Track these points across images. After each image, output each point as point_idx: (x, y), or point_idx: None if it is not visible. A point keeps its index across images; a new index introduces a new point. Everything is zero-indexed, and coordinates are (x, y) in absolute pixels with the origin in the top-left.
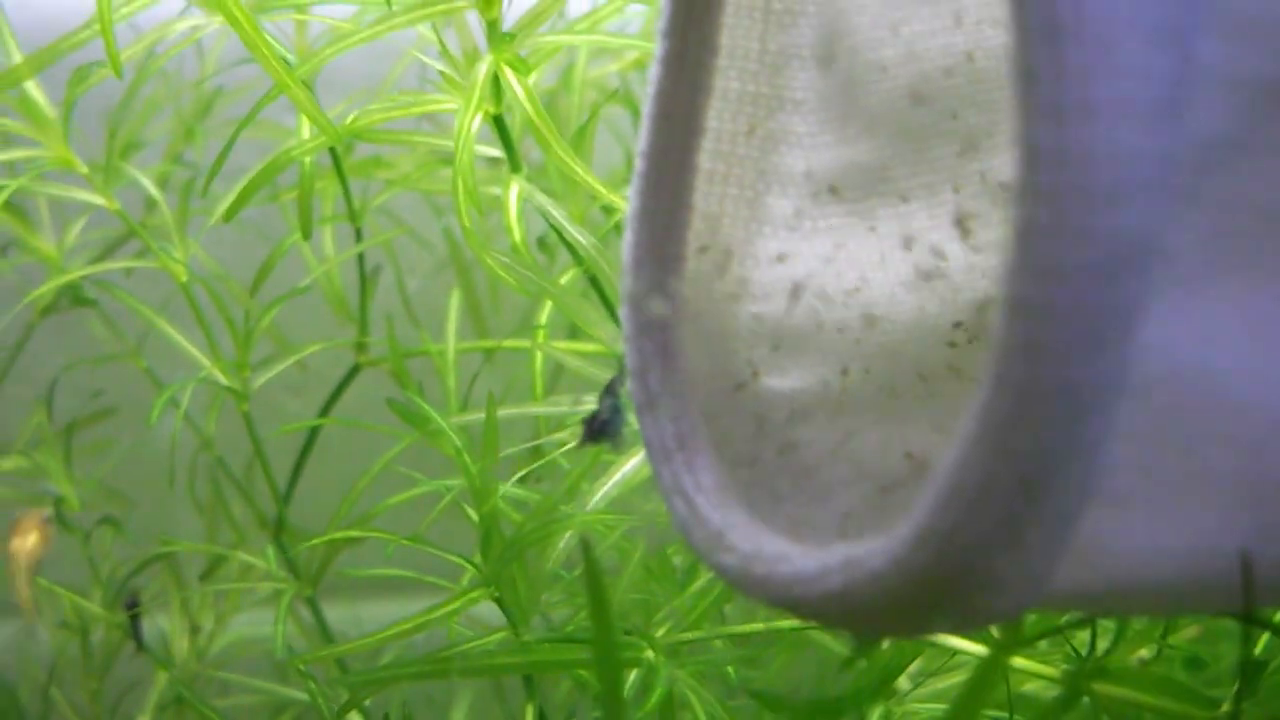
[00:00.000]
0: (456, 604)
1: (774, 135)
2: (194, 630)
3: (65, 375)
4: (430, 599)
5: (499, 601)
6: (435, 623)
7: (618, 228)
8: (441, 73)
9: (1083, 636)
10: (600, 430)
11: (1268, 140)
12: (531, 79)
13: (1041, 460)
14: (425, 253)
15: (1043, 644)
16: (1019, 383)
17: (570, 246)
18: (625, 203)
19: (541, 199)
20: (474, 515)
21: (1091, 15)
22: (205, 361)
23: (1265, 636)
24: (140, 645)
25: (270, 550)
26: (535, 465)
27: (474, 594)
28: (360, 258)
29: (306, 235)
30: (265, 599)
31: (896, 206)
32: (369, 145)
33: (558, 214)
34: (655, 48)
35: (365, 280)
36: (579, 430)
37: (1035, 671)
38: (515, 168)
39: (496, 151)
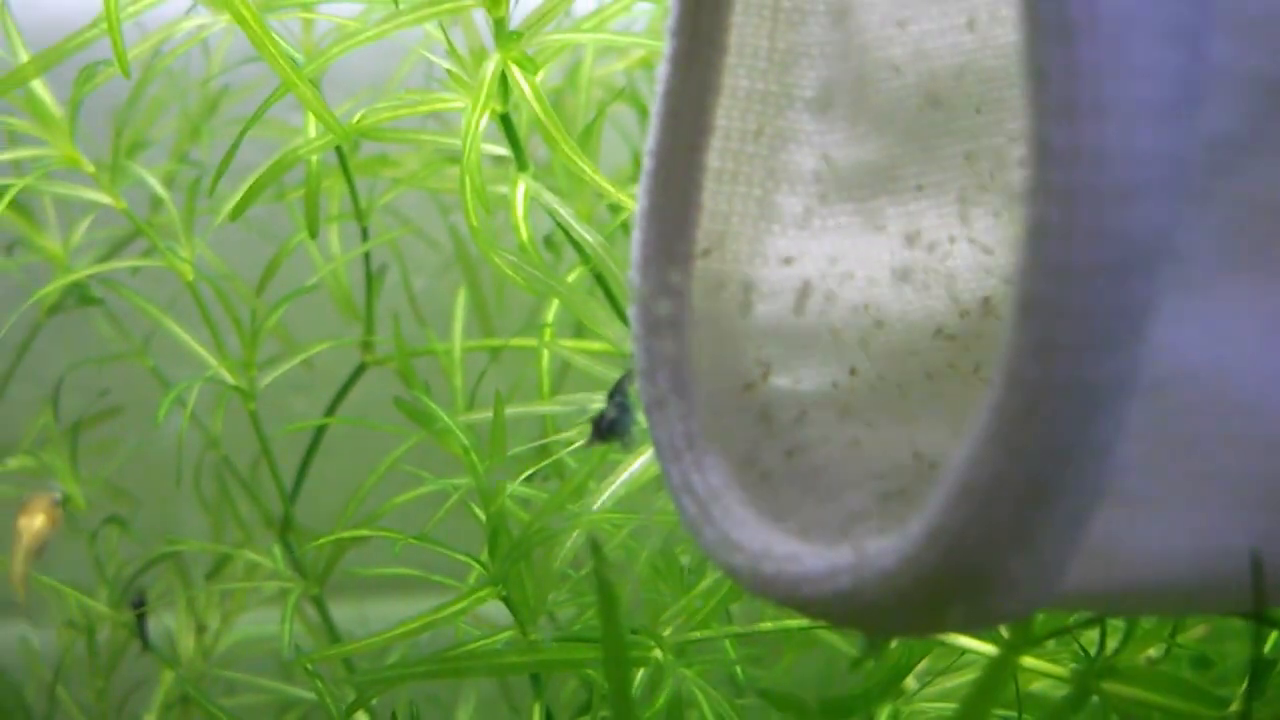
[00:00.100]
0: (464, 603)
1: (783, 133)
2: (200, 629)
3: (71, 374)
4: (437, 598)
5: (506, 601)
6: (442, 622)
7: (624, 226)
8: (448, 71)
9: (1091, 635)
10: (609, 429)
11: (1278, 140)
12: (538, 77)
13: (1053, 459)
14: (431, 251)
15: (1051, 643)
16: (1030, 382)
17: (577, 245)
18: (632, 201)
19: (548, 197)
20: (481, 514)
21: (1104, 14)
22: (211, 360)
23: (1275, 635)
24: (146, 644)
25: (276, 549)
26: (543, 464)
27: (481, 593)
28: (366, 256)
29: (313, 234)
30: (271, 598)
31: (905, 205)
32: (375, 144)
33: (564, 212)
34: (664, 46)
35: (371, 279)
36: (587, 429)
37: (1044, 671)
38: (522, 166)
39: (503, 150)
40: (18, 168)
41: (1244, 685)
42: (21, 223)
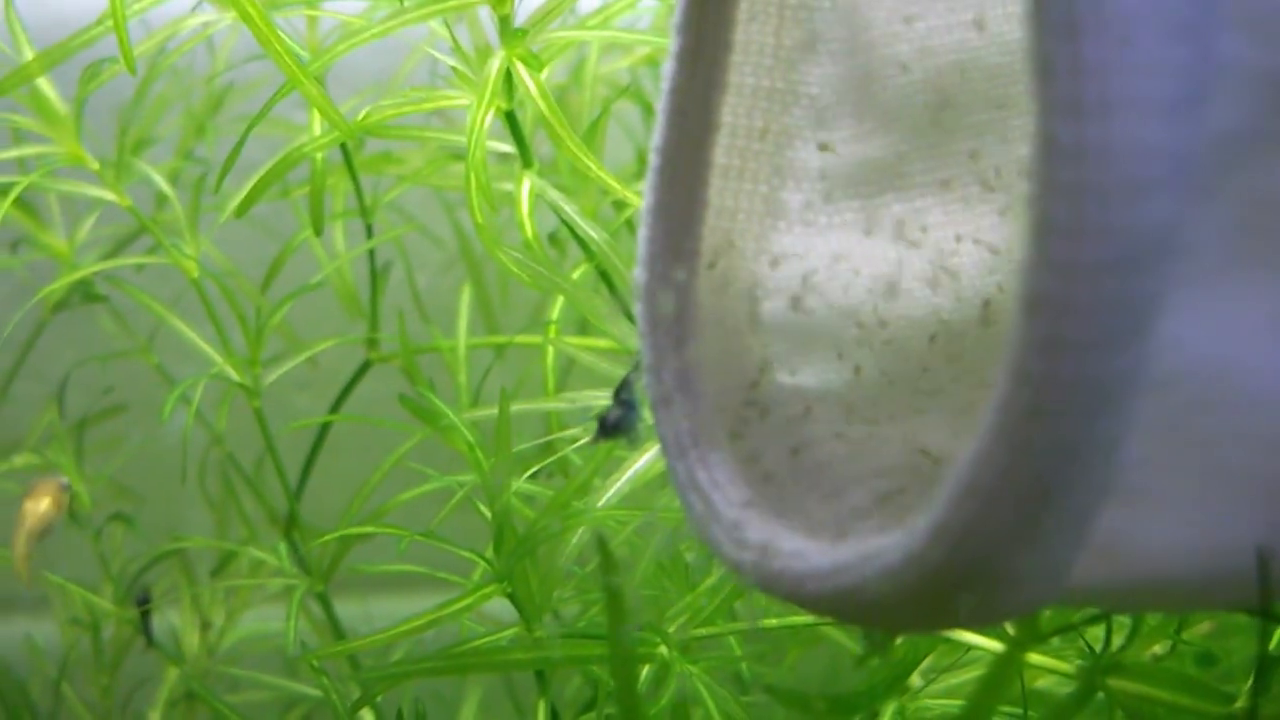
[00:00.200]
0: (468, 600)
1: (789, 131)
2: (205, 626)
3: (76, 371)
4: (442, 595)
5: (511, 597)
6: (447, 619)
7: (629, 223)
8: (453, 68)
9: (1096, 632)
10: (614, 426)
11: None
12: (543, 74)
13: (1059, 455)
14: (436, 249)
15: (1056, 639)
16: (1037, 378)
17: (582, 242)
18: (637, 198)
19: (553, 194)
20: (486, 511)
21: (1110, 10)
22: (216, 358)
23: None
24: (151, 641)
25: (281, 546)
26: (548, 461)
27: (486, 590)
28: (371, 254)
29: (318, 231)
30: (276, 595)
31: (911, 203)
32: (380, 141)
33: (569, 209)
34: (670, 43)
35: (376, 276)
36: (593, 426)
37: (1049, 667)
38: (527, 163)
39: (508, 147)
40: (23, 165)
41: (1249, 681)
42: (26, 220)
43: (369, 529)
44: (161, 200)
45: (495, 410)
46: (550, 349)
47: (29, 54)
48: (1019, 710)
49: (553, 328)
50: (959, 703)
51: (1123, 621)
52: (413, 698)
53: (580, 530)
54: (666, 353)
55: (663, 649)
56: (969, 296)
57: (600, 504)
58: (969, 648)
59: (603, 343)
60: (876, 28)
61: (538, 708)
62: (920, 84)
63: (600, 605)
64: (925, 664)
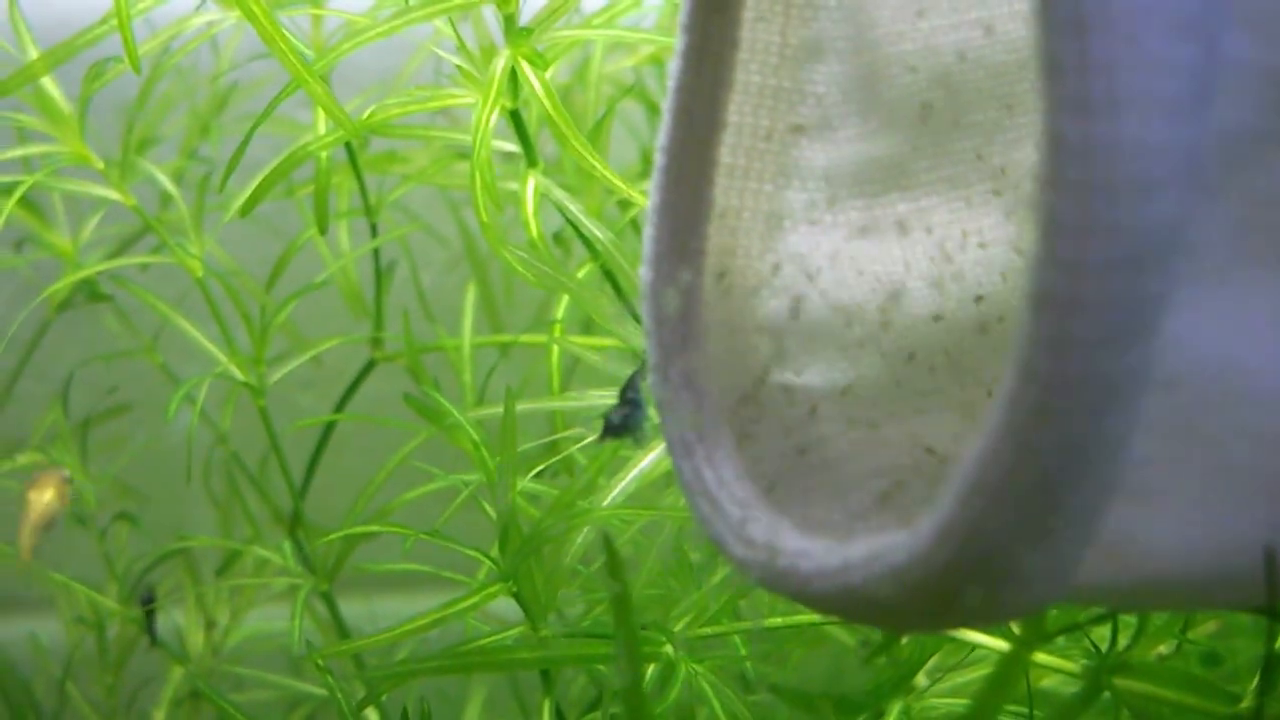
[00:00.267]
0: (474, 599)
1: (795, 130)
2: (209, 625)
3: (80, 371)
4: (446, 594)
5: (516, 597)
6: (452, 618)
7: (634, 222)
8: (458, 67)
9: (1102, 632)
10: (620, 425)
11: None
12: (548, 74)
13: (1066, 453)
14: (441, 248)
15: (1062, 639)
16: (1044, 376)
17: (586, 241)
18: (641, 197)
19: (558, 193)
20: (491, 510)
21: (1117, 8)
22: (221, 357)
23: None
24: (155, 640)
25: (286, 545)
26: (553, 460)
27: (491, 589)
28: (376, 253)
29: (322, 230)
30: (281, 594)
31: (916, 202)
32: (384, 140)
33: (574, 208)
34: (676, 42)
35: (380, 275)
36: (599, 425)
37: (1055, 667)
38: (532, 162)
39: (513, 146)
40: (27, 164)
41: (1255, 681)
42: (31, 219)
43: (374, 528)
44: (166, 199)
45: (500, 409)
46: (555, 348)
47: (33, 53)
48: (1025, 709)
49: (557, 327)
50: (964, 702)
51: (1128, 621)
52: (418, 697)
53: (585, 529)
54: (672, 352)
55: (668, 648)
56: (973, 296)
57: (605, 503)
58: (974, 647)
59: (607, 342)
60: (882, 26)
61: (543, 707)
62: (925, 82)
63: (605, 604)
64: (931, 663)
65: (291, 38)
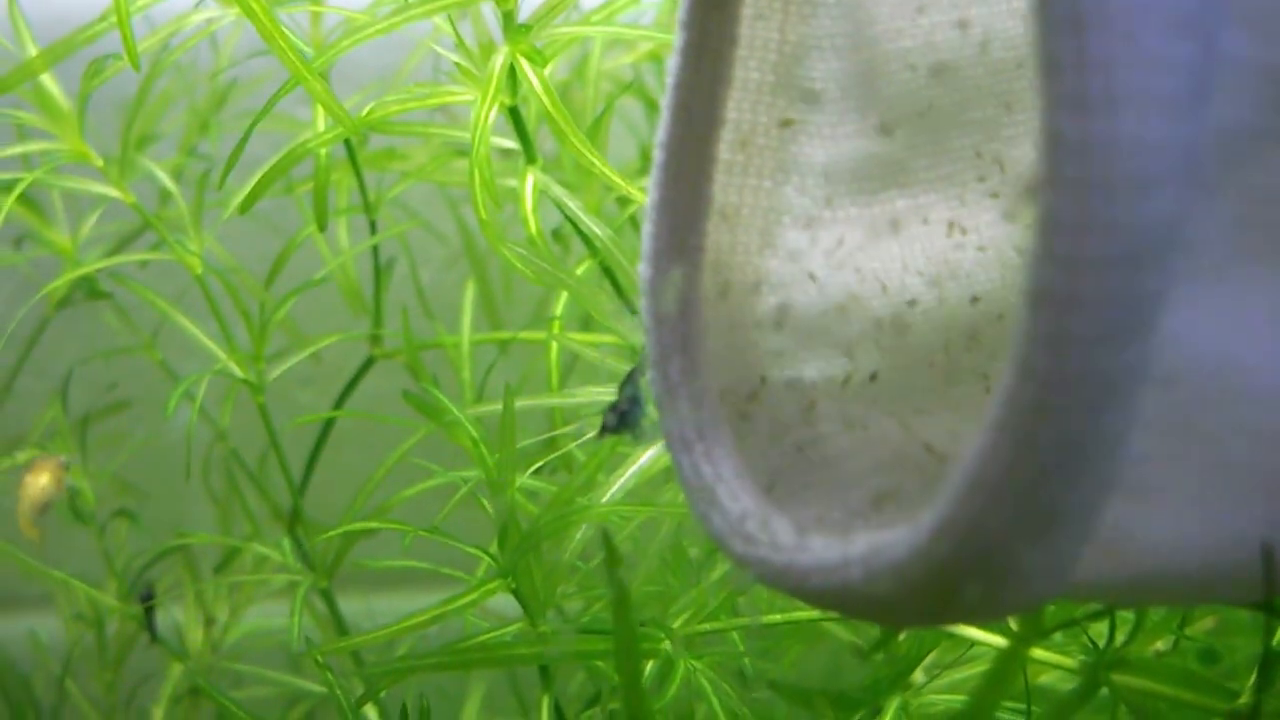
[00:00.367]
0: (473, 596)
1: (793, 126)
2: (208, 622)
3: (80, 368)
4: (445, 591)
5: (515, 593)
6: (451, 614)
7: (633, 219)
8: (457, 64)
9: (1100, 628)
10: (620, 421)
11: None
12: (547, 70)
13: (1065, 450)
14: (440, 245)
15: (1060, 635)
16: (1042, 373)
17: (585, 238)
18: (640, 194)
19: (557, 190)
20: (490, 507)
21: (1114, 6)
22: (220, 354)
23: None
24: (155, 637)
25: (285, 542)
26: (551, 457)
27: (490, 585)
28: (375, 250)
29: (322, 227)
30: (280, 591)
31: (915, 199)
32: (383, 137)
33: (573, 205)
34: (675, 38)
35: (379, 272)
36: (599, 421)
37: (1053, 663)
38: (531, 159)
39: (511, 143)
40: (27, 161)
41: (1252, 678)
42: (30, 216)
43: (373, 525)
44: (165, 196)
45: (499, 406)
46: (554, 345)
47: (32, 50)
48: (1022, 706)
49: (556, 324)
50: (962, 698)
51: (1126, 617)
52: (417, 693)
53: (584, 526)
54: (671, 348)
55: (667, 644)
56: (971, 294)
57: (604, 500)
58: (972, 643)
59: (606, 339)
60: (881, 23)
61: (542, 703)
62: (924, 79)
63: (604, 601)
64: (928, 659)
65: (290, 35)
